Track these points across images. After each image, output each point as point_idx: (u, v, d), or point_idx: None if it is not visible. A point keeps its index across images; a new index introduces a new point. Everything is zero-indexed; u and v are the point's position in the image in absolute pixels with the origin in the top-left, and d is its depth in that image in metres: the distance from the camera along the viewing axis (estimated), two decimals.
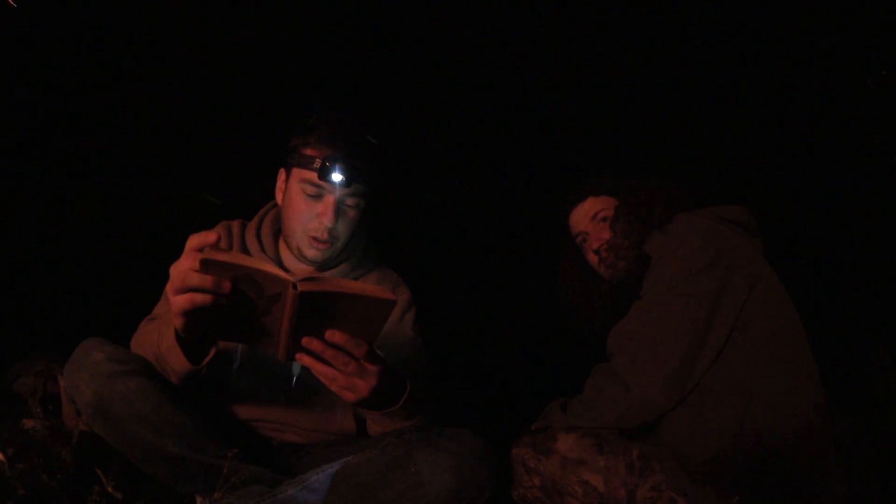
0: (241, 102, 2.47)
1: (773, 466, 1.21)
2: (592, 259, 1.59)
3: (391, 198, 1.65)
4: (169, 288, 0.93)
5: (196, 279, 0.89)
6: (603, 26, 2.54)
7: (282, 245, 1.46)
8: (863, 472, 1.28)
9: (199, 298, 0.90)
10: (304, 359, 0.97)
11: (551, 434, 1.29)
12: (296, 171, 1.34)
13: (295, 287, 0.87)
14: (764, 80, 2.51)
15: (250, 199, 1.59)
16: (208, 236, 0.92)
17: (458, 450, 1.12)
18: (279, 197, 1.43)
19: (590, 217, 1.58)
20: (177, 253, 0.95)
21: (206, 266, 0.88)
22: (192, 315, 0.93)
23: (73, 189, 2.40)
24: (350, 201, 1.35)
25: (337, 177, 1.28)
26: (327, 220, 1.32)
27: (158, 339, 1.11)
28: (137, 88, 2.41)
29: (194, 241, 0.92)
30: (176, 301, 0.92)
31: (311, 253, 1.36)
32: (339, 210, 1.34)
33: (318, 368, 0.98)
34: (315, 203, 1.33)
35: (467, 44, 2.60)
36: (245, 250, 1.43)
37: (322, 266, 1.43)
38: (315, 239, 1.34)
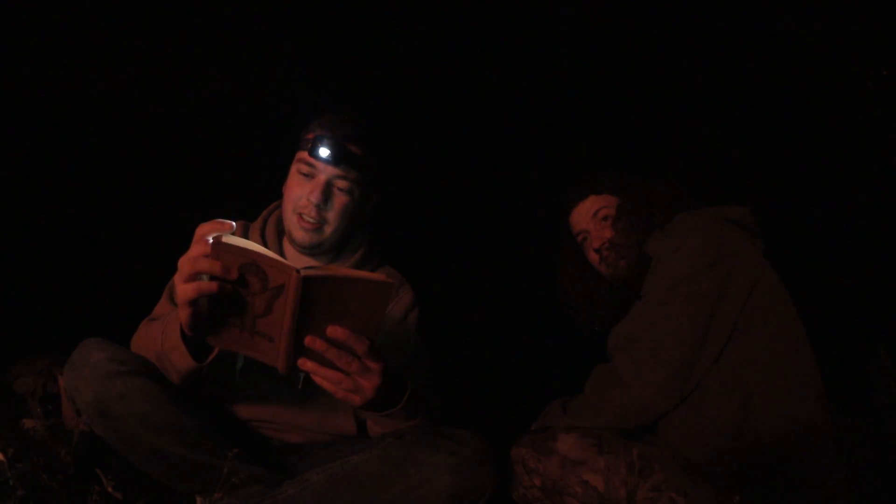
0: (243, 105, 2.47)
1: (773, 466, 1.21)
2: (593, 258, 1.59)
3: (393, 197, 1.65)
4: (177, 278, 0.93)
5: (205, 264, 0.90)
6: (605, 25, 2.54)
7: (285, 244, 1.47)
8: (863, 472, 1.28)
9: (206, 286, 0.90)
10: (306, 364, 0.96)
11: (551, 434, 1.29)
12: (296, 156, 1.39)
13: (298, 272, 0.87)
14: (764, 81, 2.51)
15: (252, 201, 1.59)
16: (223, 224, 0.92)
17: (459, 450, 1.11)
18: (284, 186, 1.46)
19: (591, 215, 1.58)
20: (177, 253, 0.96)
21: (216, 250, 0.89)
22: (199, 306, 0.93)
23: (74, 189, 2.40)
24: (341, 184, 1.36)
25: (324, 152, 1.31)
26: (314, 197, 1.34)
27: (162, 337, 1.11)
28: (141, 88, 2.41)
29: (205, 228, 0.93)
30: (184, 290, 0.92)
31: (298, 234, 1.37)
32: (327, 190, 1.35)
33: (322, 373, 0.98)
34: (307, 182, 1.36)
35: (469, 43, 2.60)
36: None
37: (323, 261, 1.45)
38: (301, 217, 1.36)
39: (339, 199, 1.37)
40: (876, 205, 2.34)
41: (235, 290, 0.91)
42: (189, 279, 0.92)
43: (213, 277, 0.91)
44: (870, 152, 2.36)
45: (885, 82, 2.26)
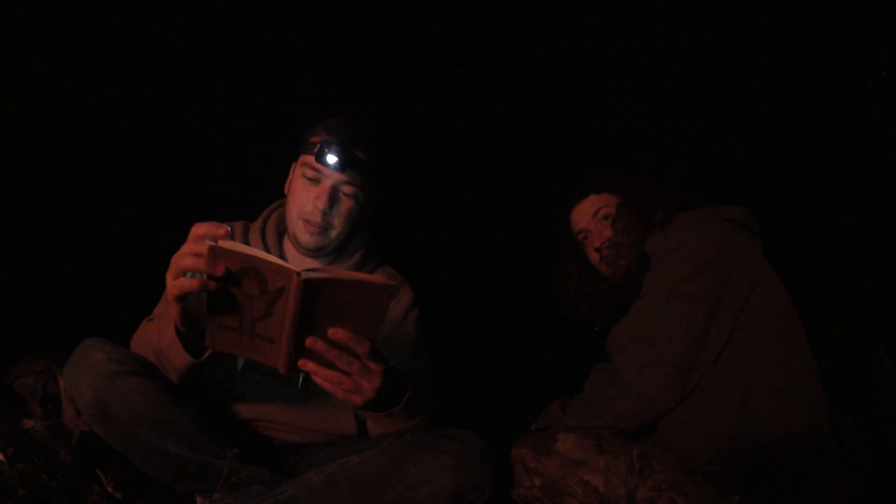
0: (243, 104, 2.47)
1: (773, 466, 1.22)
2: (593, 257, 1.59)
3: (393, 197, 1.66)
4: (167, 275, 0.95)
5: (189, 261, 0.91)
6: (605, 25, 2.54)
7: (286, 244, 1.47)
8: (863, 472, 1.28)
9: (188, 283, 0.92)
10: (307, 365, 0.96)
11: (551, 434, 1.29)
12: (300, 158, 1.39)
13: (298, 275, 0.87)
14: (764, 81, 2.51)
15: (253, 200, 1.59)
16: (218, 228, 0.92)
17: (459, 450, 1.12)
18: (287, 187, 1.46)
19: (591, 214, 1.58)
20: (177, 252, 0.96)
21: (213, 255, 0.89)
22: (188, 302, 0.94)
23: (74, 189, 2.40)
24: (347, 189, 1.36)
25: (332, 159, 1.32)
26: (321, 203, 1.34)
27: (159, 335, 1.12)
28: (142, 88, 2.41)
29: (201, 228, 0.93)
30: (170, 287, 0.94)
31: (304, 238, 1.37)
32: (334, 195, 1.35)
33: (322, 373, 0.98)
34: (313, 187, 1.36)
35: (469, 42, 2.60)
36: None
37: (323, 262, 1.45)
38: (308, 222, 1.36)
39: (345, 204, 1.37)
40: (876, 205, 2.34)
41: (230, 291, 0.91)
42: (176, 276, 0.93)
43: (211, 277, 0.91)
44: (870, 152, 2.36)
45: (885, 82, 2.26)
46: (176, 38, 2.38)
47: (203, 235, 0.93)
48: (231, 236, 1.44)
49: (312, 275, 0.88)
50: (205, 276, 0.91)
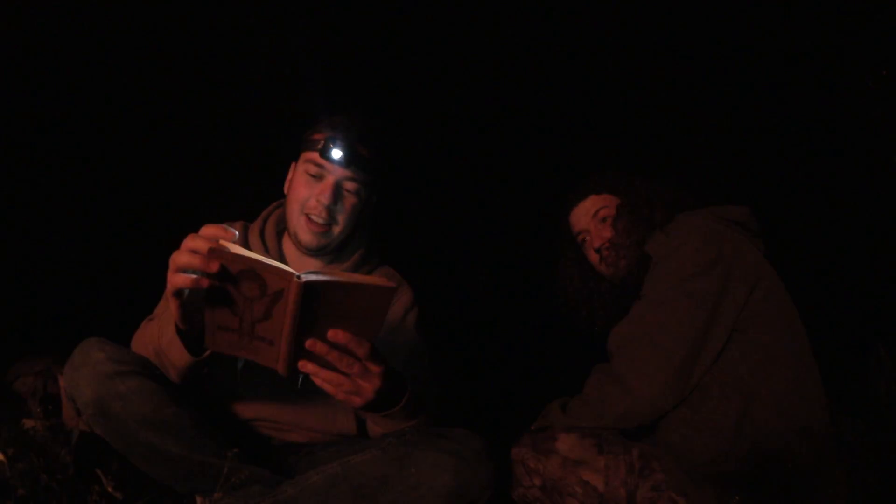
0: (244, 104, 2.47)
1: (774, 466, 1.22)
2: (593, 258, 1.59)
3: (393, 197, 1.66)
4: (168, 271, 0.96)
5: (186, 258, 0.92)
6: (605, 25, 2.54)
7: (285, 244, 1.47)
8: (863, 472, 1.28)
9: (181, 280, 0.93)
10: (307, 366, 0.96)
11: (551, 434, 1.29)
12: (302, 156, 1.40)
13: (298, 277, 0.87)
14: (764, 80, 2.51)
15: (251, 202, 1.59)
16: (227, 232, 0.93)
17: (459, 450, 1.12)
18: (287, 186, 1.46)
19: (591, 215, 1.58)
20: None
21: (212, 256, 0.89)
22: (185, 300, 0.95)
23: (74, 189, 2.40)
24: (349, 185, 1.37)
25: (336, 154, 1.32)
26: (325, 199, 1.34)
27: (159, 334, 1.13)
28: (142, 88, 2.41)
29: (209, 230, 0.94)
30: (168, 283, 0.95)
31: (305, 237, 1.37)
32: (337, 191, 1.36)
33: (323, 375, 0.98)
34: (316, 183, 1.36)
35: (469, 43, 2.60)
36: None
37: (323, 261, 1.45)
38: (310, 219, 1.36)
39: (348, 201, 1.38)
40: (876, 205, 2.34)
41: (229, 292, 0.91)
42: (174, 273, 0.94)
43: (206, 275, 0.91)
44: (870, 152, 2.36)
45: (885, 82, 2.26)
46: (176, 37, 2.38)
47: (210, 237, 0.93)
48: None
49: (312, 277, 0.89)
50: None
